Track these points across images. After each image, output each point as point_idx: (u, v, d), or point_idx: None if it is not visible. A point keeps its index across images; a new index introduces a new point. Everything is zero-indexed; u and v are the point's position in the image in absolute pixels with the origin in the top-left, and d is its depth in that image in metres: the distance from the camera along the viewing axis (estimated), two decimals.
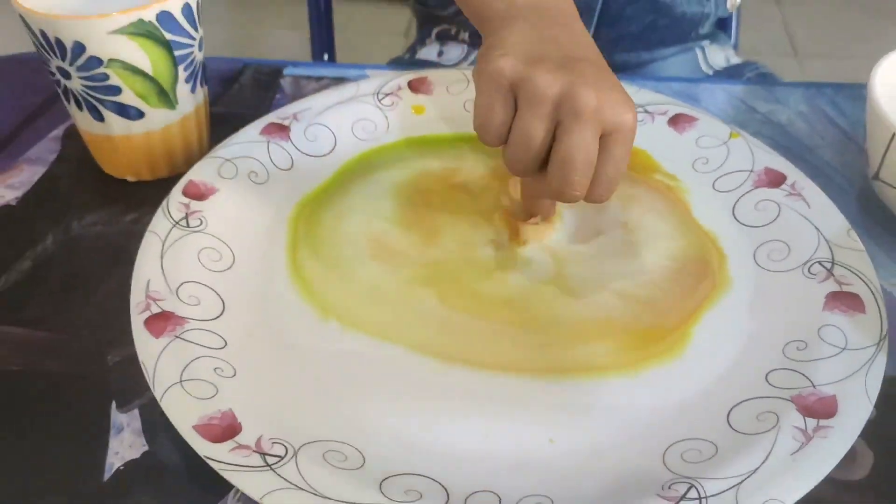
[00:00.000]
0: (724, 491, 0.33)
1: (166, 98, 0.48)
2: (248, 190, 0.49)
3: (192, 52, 0.48)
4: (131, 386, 0.40)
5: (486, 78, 0.40)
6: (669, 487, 0.34)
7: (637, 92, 0.56)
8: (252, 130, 0.52)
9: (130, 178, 0.52)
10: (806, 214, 0.46)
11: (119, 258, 0.46)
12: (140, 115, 0.48)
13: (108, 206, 0.50)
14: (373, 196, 0.49)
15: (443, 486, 0.34)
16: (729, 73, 0.79)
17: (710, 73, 0.80)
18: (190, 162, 0.51)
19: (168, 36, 0.46)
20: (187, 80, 0.49)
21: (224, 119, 0.56)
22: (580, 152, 0.38)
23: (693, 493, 0.33)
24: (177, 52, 0.47)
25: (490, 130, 0.40)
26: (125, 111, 0.48)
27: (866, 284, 0.42)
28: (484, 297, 0.43)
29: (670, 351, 0.40)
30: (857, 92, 0.60)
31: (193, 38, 0.48)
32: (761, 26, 2.04)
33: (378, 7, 2.02)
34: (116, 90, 0.46)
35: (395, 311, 0.42)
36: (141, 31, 0.45)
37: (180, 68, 0.48)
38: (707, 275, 0.44)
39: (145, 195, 0.51)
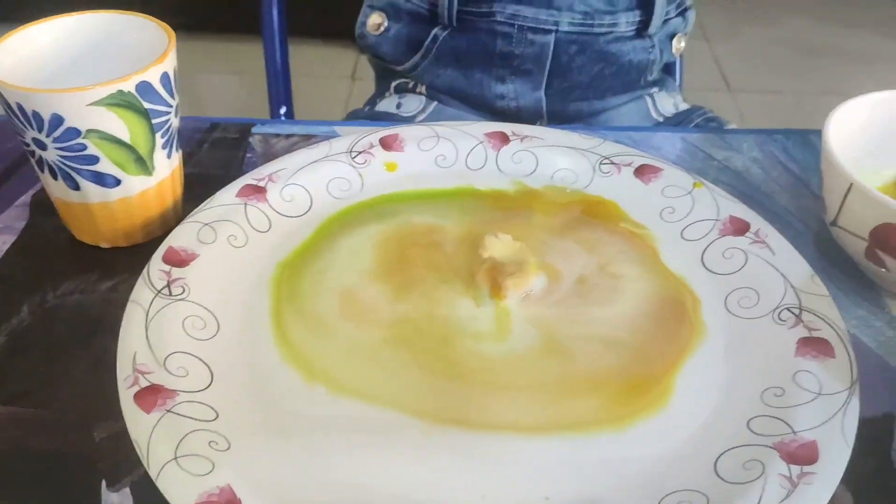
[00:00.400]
0: None
1: (143, 165, 0.47)
2: (228, 254, 0.48)
3: (168, 119, 0.47)
4: (121, 463, 0.39)
5: None
6: None
7: (601, 144, 0.57)
8: (228, 193, 0.51)
9: (104, 245, 0.50)
10: (771, 261, 0.48)
11: (98, 328, 0.45)
12: (117, 182, 0.47)
13: (84, 275, 0.49)
14: (351, 253, 0.49)
15: None
16: (678, 119, 0.81)
17: (661, 119, 0.82)
18: (166, 227, 0.50)
19: (147, 105, 0.45)
20: (164, 147, 0.48)
21: (196, 180, 0.55)
22: None
23: None
24: (154, 120, 0.46)
25: None
26: (102, 180, 0.47)
27: (834, 329, 0.43)
28: (464, 361, 0.43)
29: (656, 402, 0.41)
30: (805, 138, 0.63)
31: (170, 106, 0.47)
32: (693, 62, 2.10)
33: (323, 50, 2.03)
34: (94, 160, 0.46)
35: (377, 373, 0.42)
36: (120, 101, 0.44)
37: (157, 135, 0.47)
38: (685, 318, 0.45)
39: (120, 262, 0.50)
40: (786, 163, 0.60)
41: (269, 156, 0.59)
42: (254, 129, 0.62)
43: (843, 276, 0.51)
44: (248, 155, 0.59)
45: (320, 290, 0.46)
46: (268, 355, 0.43)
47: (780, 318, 0.44)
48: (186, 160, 0.58)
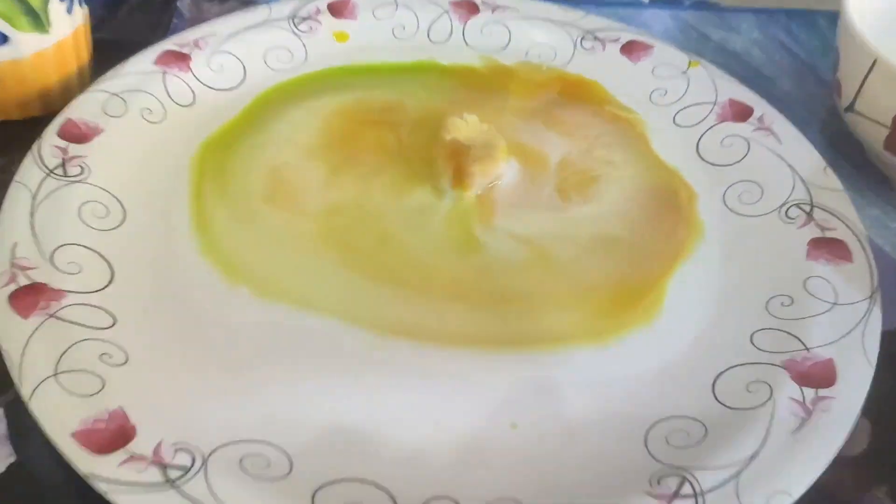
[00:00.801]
0: (721, 484, 0.27)
1: (37, 21, 0.38)
2: (140, 130, 0.39)
3: None
4: None
5: None
6: (659, 482, 0.27)
7: (584, 17, 0.48)
8: (145, 59, 0.42)
9: None
10: (777, 151, 0.40)
11: None
12: (4, 39, 0.38)
13: None
14: (290, 128, 0.40)
15: (390, 495, 0.27)
16: None
17: None
18: (68, 97, 0.41)
19: None
20: None
21: (109, 47, 0.46)
22: None
23: (687, 489, 0.27)
24: None
25: None
26: None
27: (850, 229, 0.36)
28: (416, 263, 0.35)
29: (645, 313, 0.34)
30: (811, 19, 0.54)
31: None
32: None
33: None
34: None
35: (310, 272, 0.34)
36: None
37: None
38: (679, 215, 0.38)
39: (13, 137, 0.40)
40: (790, 46, 0.52)
41: (199, 23, 0.49)
42: None
43: (854, 172, 0.44)
44: (175, 21, 0.50)
45: (250, 169, 0.38)
46: (184, 249, 0.35)
47: (787, 216, 0.37)
48: (99, 25, 0.49)
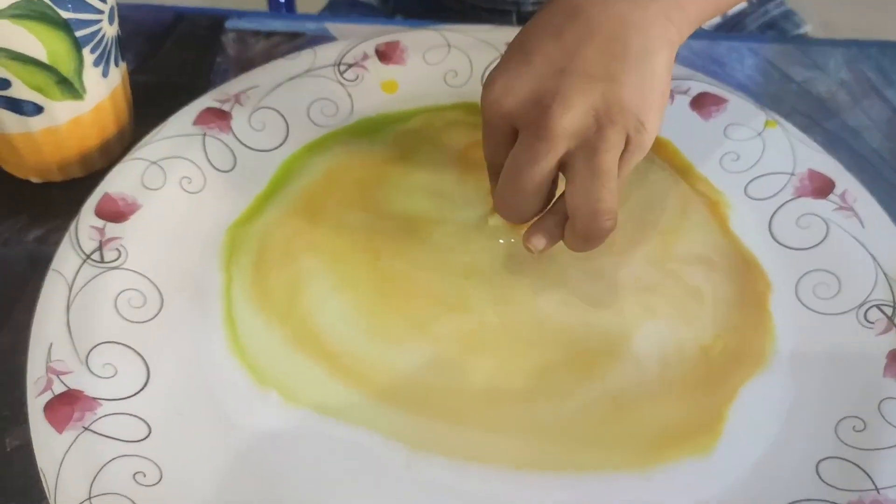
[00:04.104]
0: None
1: (70, 88, 0.38)
2: (178, 202, 0.40)
3: (99, 29, 0.38)
4: (36, 483, 0.32)
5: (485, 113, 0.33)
6: None
7: None
8: (184, 120, 0.42)
9: (35, 180, 0.42)
10: (859, 237, 0.39)
11: (20, 295, 0.38)
12: (38, 110, 0.38)
13: (9, 218, 0.41)
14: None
15: None
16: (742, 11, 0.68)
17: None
18: (109, 157, 0.42)
19: (65, 14, 0.36)
20: (96, 64, 0.39)
21: (151, 91, 0.46)
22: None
23: None
24: (79, 33, 0.37)
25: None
26: (19, 107, 0.38)
27: None
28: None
29: (701, 444, 0.33)
30: None
31: (100, 12, 0.38)
32: None
33: None
34: (5, 83, 0.37)
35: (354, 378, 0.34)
36: (28, 12, 0.34)
37: (85, 51, 0.38)
38: (754, 310, 0.37)
39: (55, 201, 0.42)
40: (880, 88, 0.50)
41: (244, 61, 0.49)
42: (227, 24, 0.51)
43: None
44: (219, 59, 0.50)
45: (281, 256, 0.38)
46: (216, 344, 0.35)
47: (866, 319, 0.36)
48: (142, 65, 0.49)
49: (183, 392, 0.33)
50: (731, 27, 0.64)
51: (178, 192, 0.40)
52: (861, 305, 0.36)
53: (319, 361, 0.34)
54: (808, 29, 0.64)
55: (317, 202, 0.40)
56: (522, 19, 0.61)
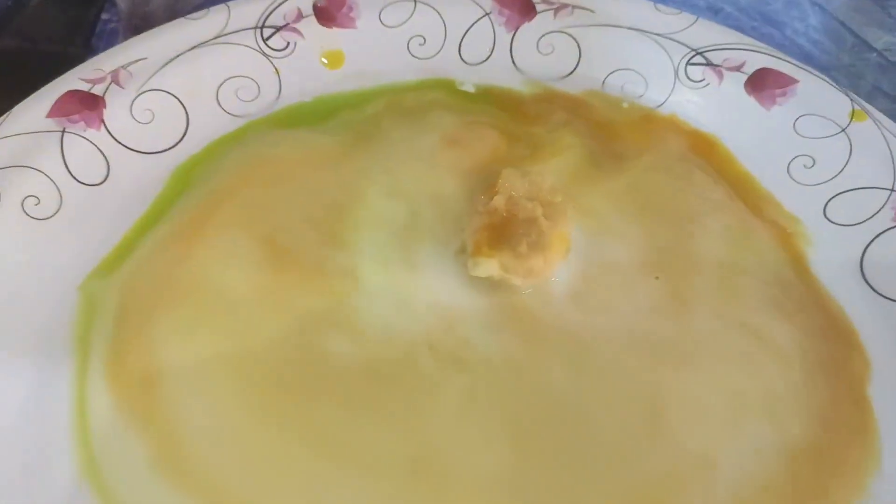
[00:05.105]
0: None
1: None
2: (19, 236, 0.28)
3: None
4: None
5: None
6: None
7: (692, 24, 0.34)
8: (34, 109, 0.30)
9: None
10: None
11: None
12: None
13: None
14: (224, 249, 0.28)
15: None
16: None
17: None
18: None
19: None
20: None
21: (12, 63, 0.34)
22: None
23: None
24: None
25: None
26: None
27: None
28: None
29: None
30: None
31: None
32: None
33: None
34: None
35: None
36: None
37: None
38: (854, 412, 0.26)
39: None
40: None
41: (138, 19, 0.37)
42: None
43: None
44: (106, 16, 0.37)
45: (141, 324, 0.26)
46: (62, 465, 0.23)
47: None
48: (3, 23, 0.36)
49: None
50: None
51: (19, 219, 0.28)
52: None
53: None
54: None
55: (210, 229, 0.28)
56: None
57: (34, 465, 0.23)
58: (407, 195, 0.29)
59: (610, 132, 0.32)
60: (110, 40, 0.36)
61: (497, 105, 0.33)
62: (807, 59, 0.36)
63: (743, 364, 0.26)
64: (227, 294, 0.26)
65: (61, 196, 0.29)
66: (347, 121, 0.32)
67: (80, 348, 0.25)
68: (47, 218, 0.28)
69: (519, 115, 0.33)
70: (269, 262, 0.27)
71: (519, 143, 0.31)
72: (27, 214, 0.28)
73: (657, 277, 0.28)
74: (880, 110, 0.32)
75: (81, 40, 0.36)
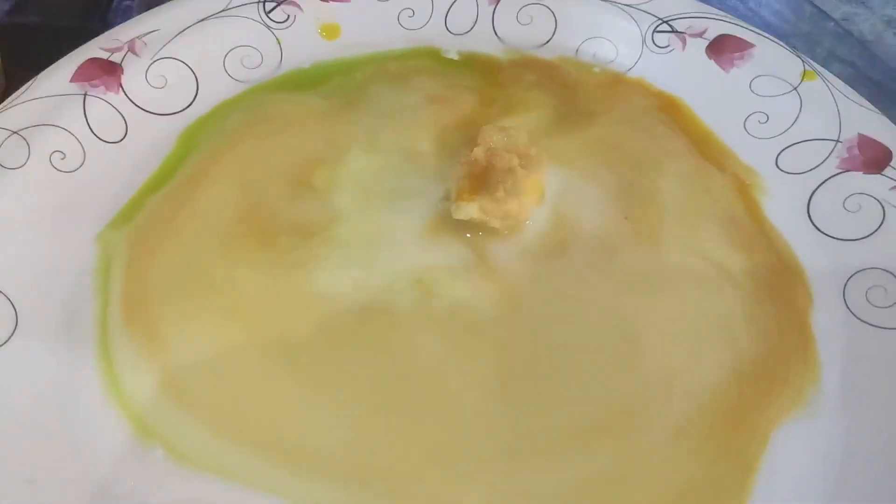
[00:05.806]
0: None
1: None
2: (47, 185, 0.31)
3: None
4: None
5: None
6: None
7: None
8: (58, 75, 0.33)
9: None
10: None
11: None
12: None
13: None
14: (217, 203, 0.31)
15: None
16: None
17: None
18: None
19: None
20: None
21: (33, 37, 0.37)
22: None
23: None
24: None
25: None
26: None
27: None
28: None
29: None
30: None
31: None
32: None
33: None
34: None
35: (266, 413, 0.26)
36: None
37: None
38: (793, 330, 0.29)
39: None
40: None
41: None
42: None
43: None
44: None
45: (172, 264, 0.29)
46: (87, 386, 0.27)
47: None
48: (22, 3, 0.40)
49: (43, 456, 0.25)
50: None
51: (48, 172, 0.31)
52: None
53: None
54: None
55: (207, 180, 0.31)
56: None
57: (63, 386, 0.27)
58: (388, 150, 0.32)
59: (581, 93, 0.35)
60: (127, 17, 0.39)
61: (477, 70, 0.36)
62: (767, 27, 0.39)
63: (704, 289, 0.29)
64: (220, 238, 0.29)
65: (85, 152, 0.32)
66: (339, 85, 0.36)
67: (101, 291, 0.29)
68: (72, 171, 0.32)
69: (497, 79, 0.36)
70: (251, 206, 0.30)
71: (496, 103, 0.34)
72: (55, 167, 0.31)
73: (626, 217, 0.31)
74: (835, 74, 0.35)
75: (98, 16, 0.40)
